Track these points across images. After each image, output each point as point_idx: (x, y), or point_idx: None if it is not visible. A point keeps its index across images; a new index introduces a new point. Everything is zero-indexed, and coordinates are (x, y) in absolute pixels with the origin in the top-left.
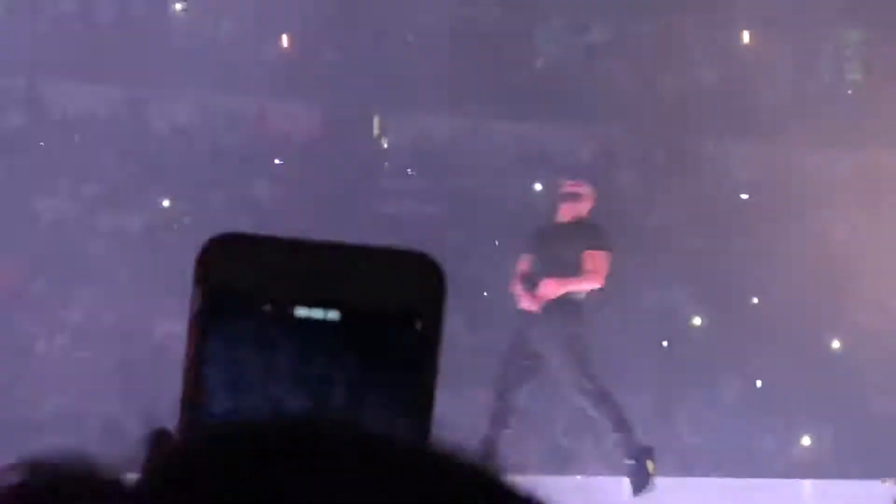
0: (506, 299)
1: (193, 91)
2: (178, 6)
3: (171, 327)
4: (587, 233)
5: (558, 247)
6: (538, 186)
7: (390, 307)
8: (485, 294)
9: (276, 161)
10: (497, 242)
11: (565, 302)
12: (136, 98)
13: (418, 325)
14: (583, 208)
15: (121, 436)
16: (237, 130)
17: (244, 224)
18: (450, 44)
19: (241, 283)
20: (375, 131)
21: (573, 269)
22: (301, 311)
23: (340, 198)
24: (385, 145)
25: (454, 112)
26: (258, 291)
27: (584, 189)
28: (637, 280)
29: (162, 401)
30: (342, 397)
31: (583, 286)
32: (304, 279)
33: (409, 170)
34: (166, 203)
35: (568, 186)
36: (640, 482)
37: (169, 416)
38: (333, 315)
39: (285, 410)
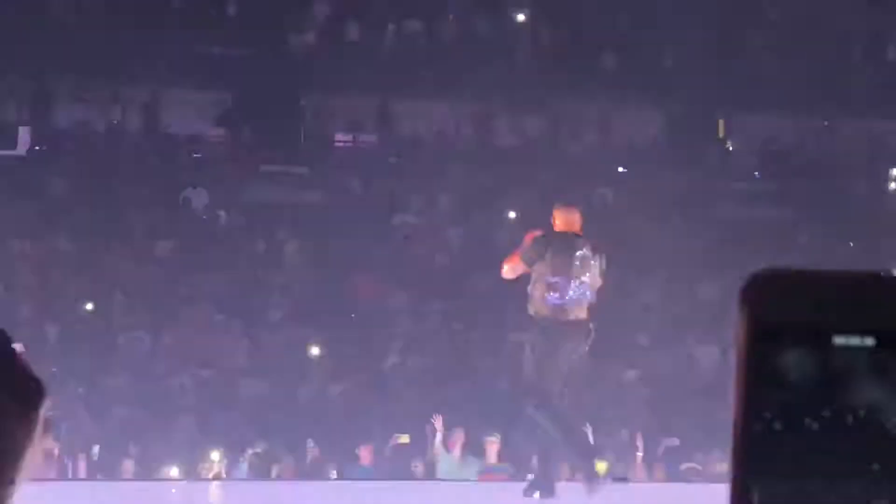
0: None
1: (539, 101)
2: (520, 17)
3: (521, 337)
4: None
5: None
6: (893, 185)
7: None
8: None
9: (620, 169)
10: (851, 244)
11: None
12: (482, 112)
13: None
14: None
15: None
16: (581, 139)
17: (591, 230)
18: (795, 43)
19: (783, 314)
20: (720, 134)
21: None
22: (839, 339)
23: (686, 202)
24: (730, 148)
25: (800, 112)
26: (800, 322)
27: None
28: None
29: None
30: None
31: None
32: (841, 308)
33: (755, 172)
34: (512, 215)
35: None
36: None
37: None
38: (869, 341)
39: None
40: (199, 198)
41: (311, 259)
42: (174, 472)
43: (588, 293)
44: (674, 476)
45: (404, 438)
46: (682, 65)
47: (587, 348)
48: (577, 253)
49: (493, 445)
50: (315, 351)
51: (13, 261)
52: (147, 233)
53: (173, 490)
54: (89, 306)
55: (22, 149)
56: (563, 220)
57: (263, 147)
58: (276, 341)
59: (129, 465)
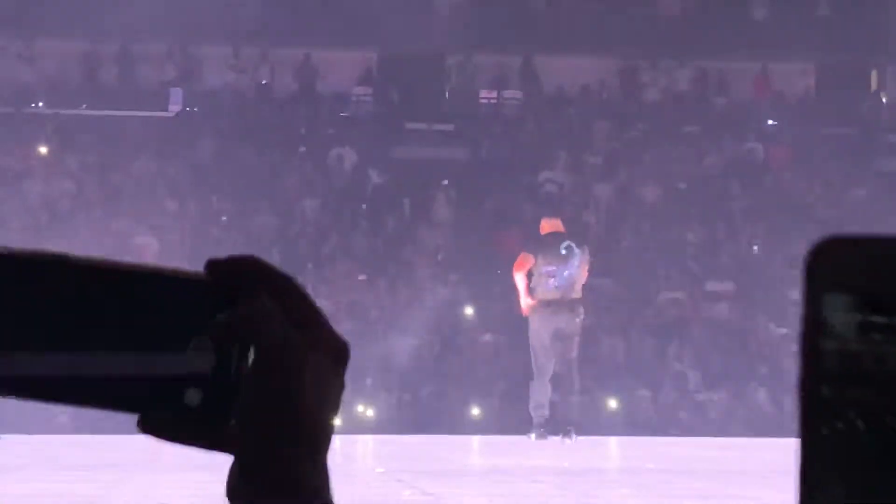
0: None
1: (684, 56)
2: None
3: (672, 295)
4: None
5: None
6: None
7: None
8: None
9: (770, 122)
10: None
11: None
12: (628, 67)
13: None
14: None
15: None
16: (729, 93)
17: (736, 186)
18: None
19: (850, 284)
20: (873, 86)
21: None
22: None
23: (838, 155)
24: (884, 100)
25: None
26: (867, 293)
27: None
28: None
29: None
30: None
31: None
32: None
33: None
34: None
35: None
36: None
37: None
38: None
39: None
40: (348, 157)
41: (456, 216)
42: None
43: (574, 276)
44: None
45: None
46: (836, 15)
47: (577, 323)
48: (562, 244)
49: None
50: (468, 310)
51: (167, 219)
52: (295, 191)
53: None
54: None
55: (173, 110)
56: (548, 225)
57: (409, 105)
58: (422, 298)
59: None
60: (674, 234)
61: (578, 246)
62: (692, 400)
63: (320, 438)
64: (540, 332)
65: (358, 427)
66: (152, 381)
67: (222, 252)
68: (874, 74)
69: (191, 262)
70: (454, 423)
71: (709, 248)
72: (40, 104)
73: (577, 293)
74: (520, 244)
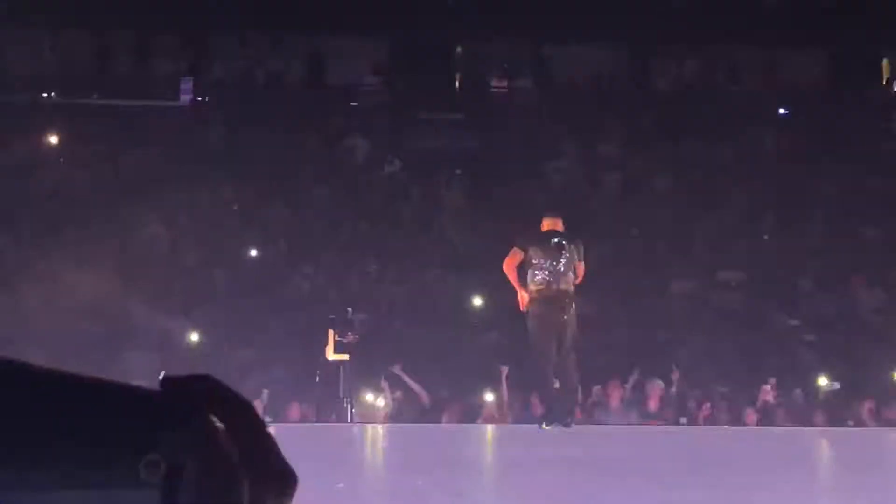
0: None
1: (696, 46)
2: None
3: (683, 284)
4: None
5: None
6: None
7: None
8: None
9: (781, 111)
10: None
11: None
12: (638, 56)
13: None
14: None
15: None
16: (741, 81)
17: (752, 171)
18: None
19: None
20: (885, 75)
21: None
22: None
23: (849, 144)
24: None
25: None
26: None
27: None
28: None
29: None
30: None
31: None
32: None
33: None
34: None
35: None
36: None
37: None
38: None
39: None
40: (360, 146)
41: (468, 205)
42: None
43: (566, 270)
44: (835, 422)
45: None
46: (849, 3)
47: (568, 315)
48: (553, 240)
49: (655, 391)
50: (476, 301)
51: (178, 209)
52: (306, 181)
53: (354, 430)
54: (253, 252)
55: (184, 99)
56: (548, 223)
57: (420, 95)
58: (433, 288)
59: (296, 409)
60: (685, 224)
61: (572, 241)
62: (703, 389)
63: None
64: (536, 323)
65: (369, 417)
66: (101, 499)
67: (234, 240)
68: (886, 63)
69: (202, 252)
70: (465, 413)
71: (720, 237)
72: (52, 94)
73: (568, 285)
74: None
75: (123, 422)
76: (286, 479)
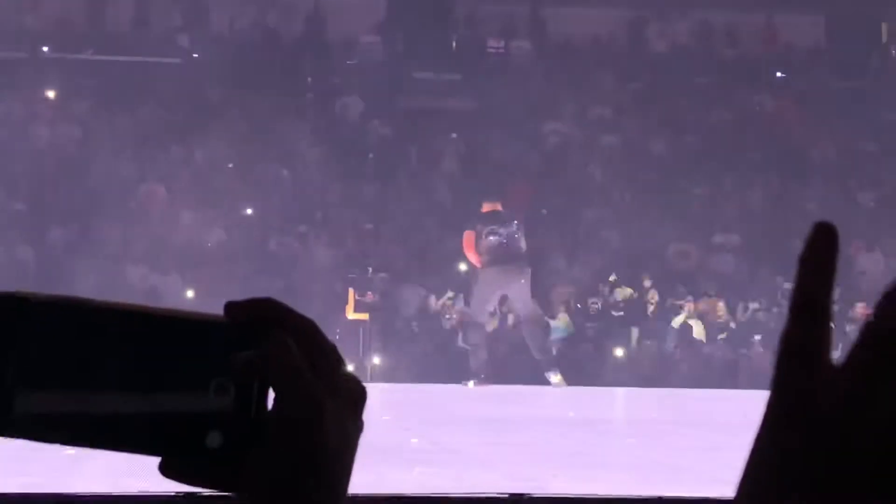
0: None
1: (693, 7)
2: None
3: (682, 246)
4: None
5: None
6: None
7: None
8: None
9: (778, 74)
10: None
11: None
12: (636, 18)
13: None
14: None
15: None
16: (739, 45)
17: (747, 133)
18: None
19: None
20: (884, 38)
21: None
22: None
23: (847, 108)
24: (895, 52)
25: None
26: None
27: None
28: None
29: None
30: None
31: None
32: None
33: None
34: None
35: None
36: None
37: None
38: None
39: None
40: (354, 105)
41: (463, 166)
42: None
43: (514, 235)
44: None
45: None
46: None
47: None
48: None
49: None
50: (462, 267)
51: (174, 166)
52: (299, 140)
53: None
54: (249, 211)
55: (180, 56)
56: (488, 206)
57: (416, 54)
58: (428, 248)
59: None
60: (680, 187)
61: (512, 221)
62: (697, 352)
63: (340, 481)
64: (487, 288)
65: (363, 375)
66: (174, 424)
67: (230, 198)
68: (885, 27)
69: (197, 209)
70: (458, 373)
71: (715, 200)
72: (46, 49)
73: (519, 252)
74: (524, 196)
75: (194, 349)
76: (357, 391)
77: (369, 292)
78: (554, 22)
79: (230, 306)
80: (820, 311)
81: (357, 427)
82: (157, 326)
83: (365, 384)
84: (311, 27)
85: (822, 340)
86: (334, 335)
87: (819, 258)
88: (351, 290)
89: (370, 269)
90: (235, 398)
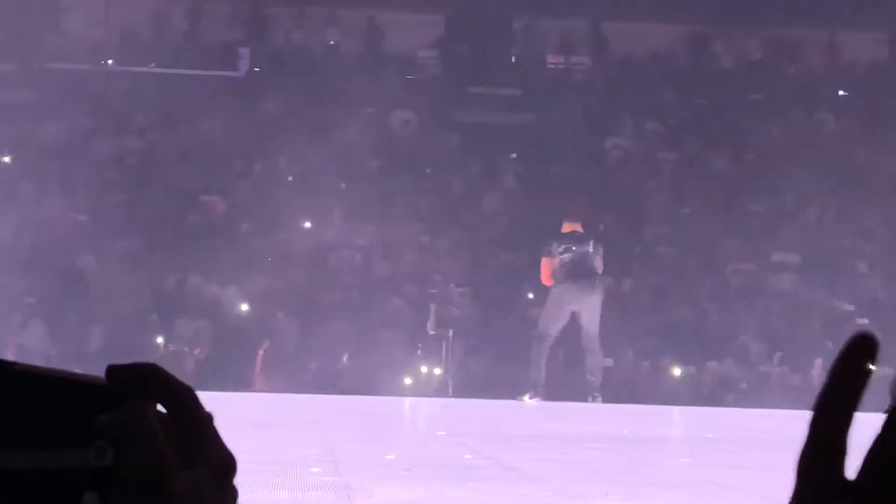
0: None
1: (755, 24)
2: None
3: (739, 265)
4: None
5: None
6: None
7: None
8: None
9: (840, 92)
10: None
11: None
12: (698, 35)
13: None
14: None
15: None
16: (801, 61)
17: (810, 152)
18: None
19: None
20: None
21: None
22: None
23: None
24: None
25: None
26: None
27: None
28: None
29: None
30: None
31: None
32: None
33: None
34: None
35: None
36: None
37: None
38: None
39: None
40: (412, 120)
41: (521, 181)
42: (407, 381)
43: (588, 254)
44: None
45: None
46: None
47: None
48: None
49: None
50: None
51: (233, 179)
52: (359, 153)
53: (408, 405)
54: (308, 224)
55: (241, 69)
56: (568, 226)
57: (475, 69)
58: (486, 264)
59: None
60: (740, 204)
61: (591, 240)
62: (755, 371)
63: None
64: (557, 305)
65: (419, 390)
66: (51, 484)
67: (287, 212)
68: None
69: (256, 223)
70: (512, 389)
71: (776, 218)
72: (110, 62)
73: (592, 269)
74: (583, 212)
75: (74, 410)
76: (226, 462)
77: (451, 307)
78: (614, 37)
79: (111, 369)
80: (836, 432)
81: (223, 498)
82: (38, 385)
83: (447, 398)
84: (370, 41)
85: (834, 461)
86: (415, 349)
87: (850, 371)
88: (431, 306)
89: (453, 286)
90: (114, 460)
